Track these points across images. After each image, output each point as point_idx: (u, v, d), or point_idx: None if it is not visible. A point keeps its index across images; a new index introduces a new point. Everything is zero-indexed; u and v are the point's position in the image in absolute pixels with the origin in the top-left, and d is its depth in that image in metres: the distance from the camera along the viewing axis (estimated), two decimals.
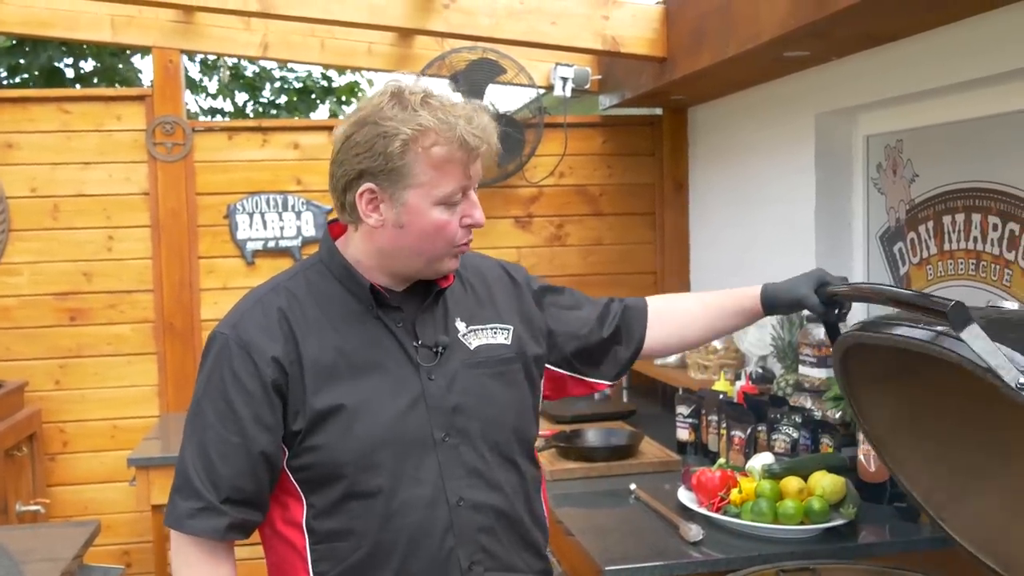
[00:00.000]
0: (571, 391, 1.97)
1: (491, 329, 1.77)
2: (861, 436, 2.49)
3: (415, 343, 1.69)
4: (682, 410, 3.12)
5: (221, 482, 1.61)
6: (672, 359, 3.86)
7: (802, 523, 2.27)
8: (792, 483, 2.32)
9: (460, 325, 1.75)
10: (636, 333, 1.97)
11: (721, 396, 3.00)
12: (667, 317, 2.00)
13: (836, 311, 1.87)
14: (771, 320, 3.19)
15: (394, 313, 1.70)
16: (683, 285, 4.45)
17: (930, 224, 2.92)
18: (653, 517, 2.46)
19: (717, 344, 3.59)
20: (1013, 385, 1.37)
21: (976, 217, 2.72)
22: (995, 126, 2.64)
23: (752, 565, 2.06)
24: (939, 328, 1.48)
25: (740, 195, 3.92)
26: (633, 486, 2.66)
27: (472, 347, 1.74)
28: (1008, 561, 1.83)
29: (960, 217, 2.78)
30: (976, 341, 1.39)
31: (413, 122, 1.56)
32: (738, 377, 3.36)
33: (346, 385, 1.63)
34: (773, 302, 1.94)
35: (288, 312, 1.66)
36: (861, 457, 2.48)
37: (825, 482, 2.31)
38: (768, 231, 3.65)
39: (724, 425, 2.89)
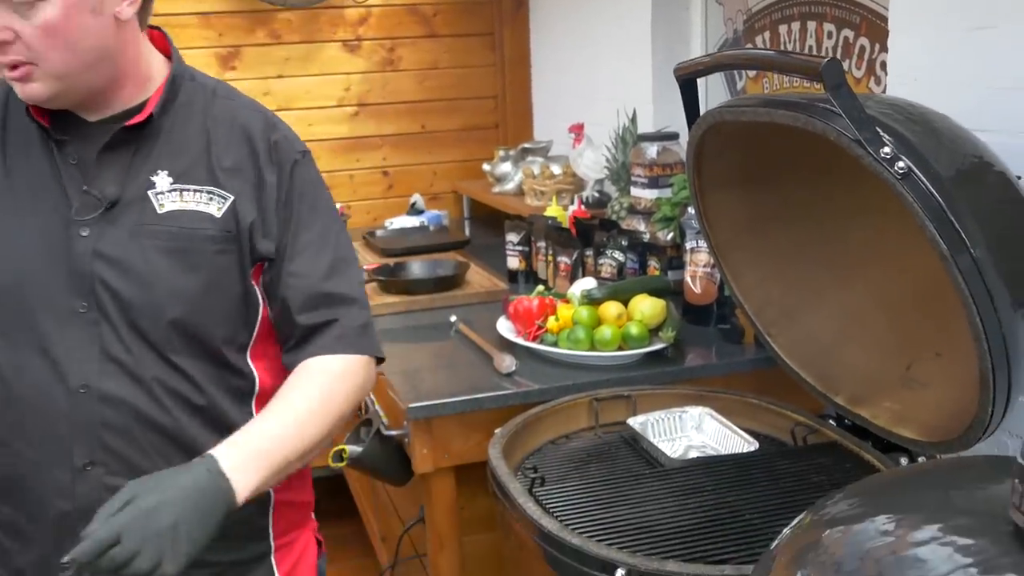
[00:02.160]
0: None
1: (204, 193, 1.41)
2: (688, 258, 2.38)
3: (83, 188, 1.38)
4: (511, 238, 2.96)
5: None
6: (510, 186, 3.68)
7: (620, 349, 2.16)
8: (610, 308, 2.20)
9: (163, 179, 1.41)
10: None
11: (550, 222, 2.85)
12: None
13: None
14: (605, 141, 3.04)
15: (67, 147, 1.39)
16: (525, 109, 4.23)
17: (767, 34, 2.78)
18: (471, 350, 2.32)
19: (555, 169, 3.43)
20: (878, 156, 1.24)
21: (811, 25, 2.59)
22: None
23: (567, 394, 1.95)
24: (807, 100, 1.37)
25: (580, 11, 3.68)
26: (453, 318, 2.51)
27: (162, 210, 1.39)
28: (827, 381, 1.80)
29: (796, 25, 2.65)
30: (848, 108, 1.26)
31: None
32: (573, 202, 3.21)
33: None
34: None
35: None
36: (688, 279, 2.38)
37: (644, 306, 2.20)
38: (607, 49, 3.44)
39: (551, 251, 2.75)
